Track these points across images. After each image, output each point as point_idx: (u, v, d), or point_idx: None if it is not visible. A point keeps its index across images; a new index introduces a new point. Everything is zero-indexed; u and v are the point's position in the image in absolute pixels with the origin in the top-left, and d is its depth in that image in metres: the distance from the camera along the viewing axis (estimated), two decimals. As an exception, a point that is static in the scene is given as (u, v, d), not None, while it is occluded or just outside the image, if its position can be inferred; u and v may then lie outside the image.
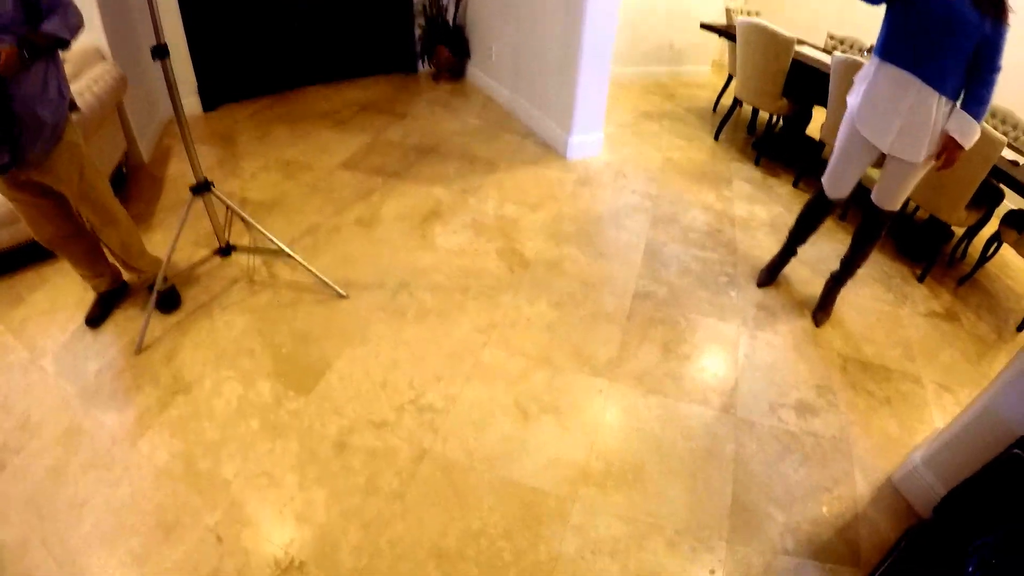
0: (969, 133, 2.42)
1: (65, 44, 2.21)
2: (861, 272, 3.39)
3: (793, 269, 3.37)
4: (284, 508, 2.06)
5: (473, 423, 2.36)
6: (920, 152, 2.53)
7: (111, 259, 2.91)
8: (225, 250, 2.95)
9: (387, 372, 2.59)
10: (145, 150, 4.25)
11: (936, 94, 2.42)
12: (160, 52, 2.32)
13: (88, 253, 2.79)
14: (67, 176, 2.41)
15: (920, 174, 2.66)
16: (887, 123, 2.57)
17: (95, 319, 2.87)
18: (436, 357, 2.67)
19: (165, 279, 2.76)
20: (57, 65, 2.28)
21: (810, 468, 2.28)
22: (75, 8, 2.21)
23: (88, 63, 3.48)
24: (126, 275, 3.00)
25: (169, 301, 2.95)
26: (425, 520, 2.02)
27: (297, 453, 2.25)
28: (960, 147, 2.46)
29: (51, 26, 2.12)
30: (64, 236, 2.66)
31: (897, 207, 2.83)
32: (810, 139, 4.94)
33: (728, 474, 2.22)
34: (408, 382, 2.54)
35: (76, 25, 2.22)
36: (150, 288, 2.85)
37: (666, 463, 2.24)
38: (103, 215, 2.65)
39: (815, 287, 3.27)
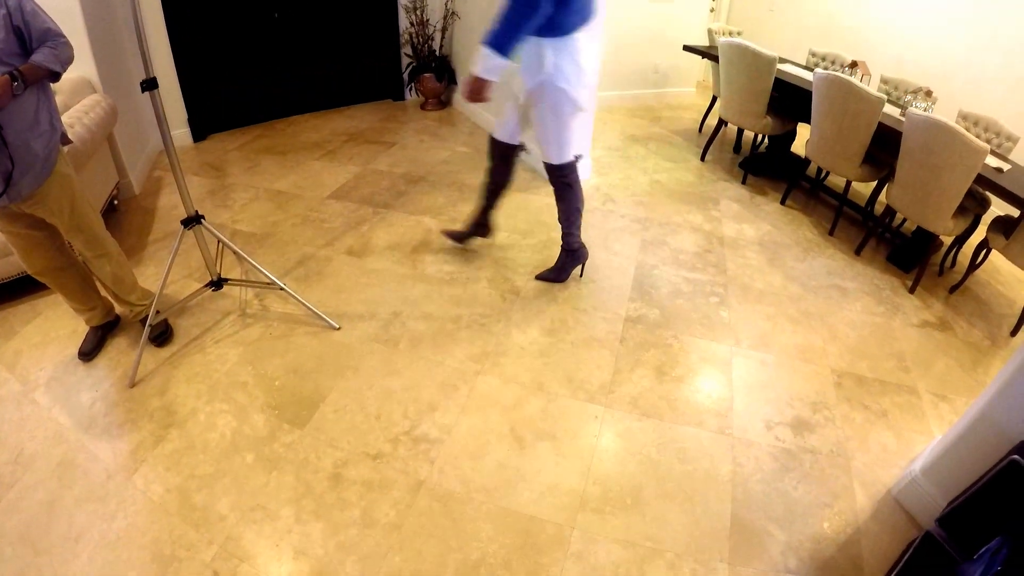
0: (481, 61, 2.49)
1: (56, 77, 2.24)
2: (852, 286, 3.45)
3: (784, 287, 3.39)
4: (281, 542, 2.05)
5: (469, 452, 2.35)
6: (522, 95, 2.74)
7: (103, 292, 2.90)
8: (217, 283, 2.95)
9: (381, 403, 2.58)
10: (136, 182, 4.26)
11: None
12: (149, 84, 2.34)
13: (80, 286, 2.79)
14: (58, 208, 2.43)
15: (539, 122, 2.80)
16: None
17: (88, 352, 2.86)
18: (430, 387, 2.66)
19: (157, 313, 2.76)
20: (48, 97, 2.31)
21: (809, 485, 2.27)
22: (66, 41, 2.24)
23: (79, 94, 3.50)
24: (118, 308, 3.01)
25: (162, 335, 2.94)
26: (423, 551, 2.00)
27: (293, 486, 2.23)
28: (475, 77, 2.54)
29: (42, 57, 2.15)
30: (56, 268, 2.67)
31: (546, 159, 2.94)
32: (795, 156, 4.99)
33: (726, 495, 2.21)
34: (402, 413, 2.53)
35: (67, 58, 2.25)
36: (143, 322, 2.84)
37: (663, 486, 2.23)
38: (94, 247, 2.66)
39: (807, 303, 3.29)
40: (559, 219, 3.18)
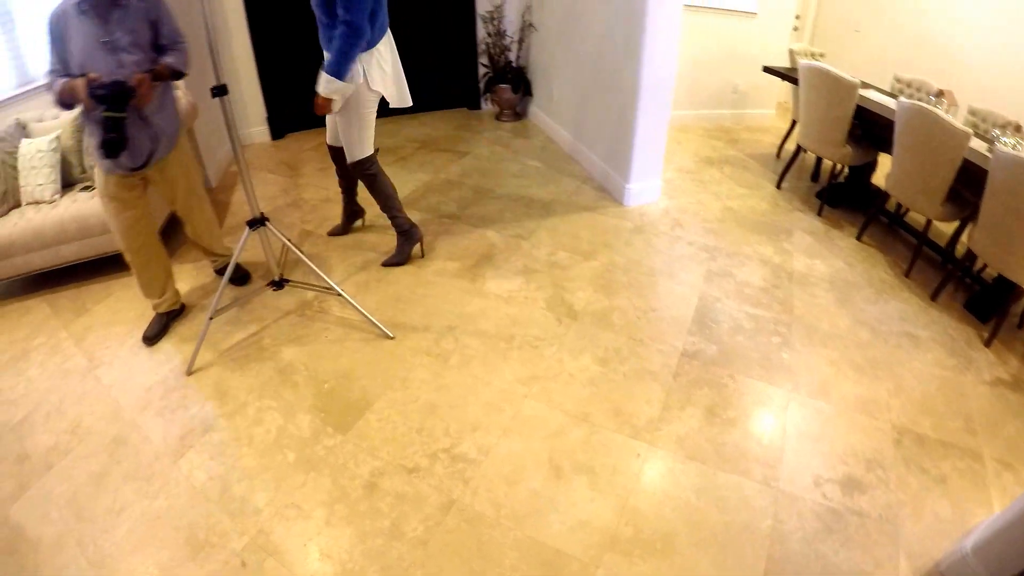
0: (323, 84, 2.97)
1: (180, 76, 2.66)
2: (925, 335, 3.26)
3: (852, 330, 3.24)
4: (309, 542, 2.10)
5: (504, 477, 2.33)
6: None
7: (197, 247, 3.35)
8: (278, 283, 3.03)
9: (425, 417, 2.59)
10: (213, 176, 4.42)
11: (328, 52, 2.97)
12: (219, 91, 2.47)
13: (160, 271, 3.04)
14: (177, 172, 2.91)
15: (344, 124, 3.19)
16: None
17: (152, 336, 3.03)
18: (475, 406, 2.66)
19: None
20: (170, 85, 2.78)
21: (851, 550, 2.14)
22: (186, 44, 2.66)
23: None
24: (208, 257, 3.44)
25: (243, 277, 3.46)
26: (445, 570, 2.00)
27: (328, 489, 2.28)
28: (321, 96, 3.02)
29: (173, 60, 2.61)
30: (146, 247, 2.96)
31: (351, 157, 3.30)
32: (875, 188, 4.77)
33: (762, 551, 2.10)
34: (444, 429, 2.54)
35: (189, 60, 2.65)
36: (220, 272, 3.29)
37: (698, 534, 2.15)
38: (198, 202, 3.13)
39: (875, 350, 3.12)
40: (380, 209, 3.54)
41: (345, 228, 3.98)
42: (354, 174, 3.43)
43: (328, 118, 3.37)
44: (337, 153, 3.50)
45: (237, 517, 2.18)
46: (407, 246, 3.65)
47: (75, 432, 2.56)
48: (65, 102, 2.45)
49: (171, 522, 2.18)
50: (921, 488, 2.40)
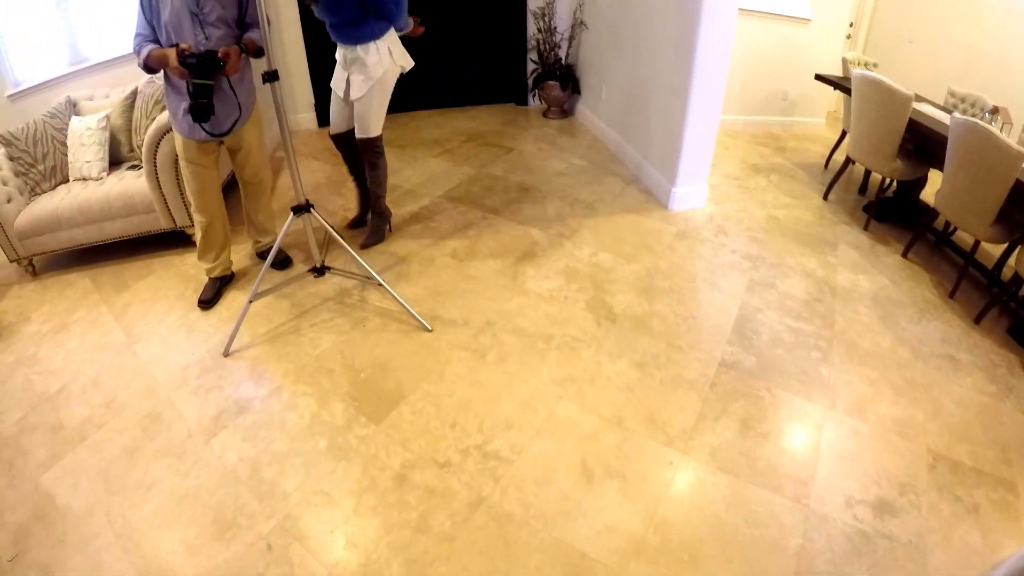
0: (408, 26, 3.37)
1: (262, 54, 2.73)
2: (966, 358, 3.17)
3: (893, 350, 3.17)
4: (336, 530, 2.12)
5: (535, 477, 2.33)
6: (361, 91, 3.29)
7: (251, 221, 3.47)
8: (319, 270, 3.07)
9: (458, 413, 2.60)
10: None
11: (355, 47, 3.19)
12: (271, 77, 2.52)
13: (221, 236, 3.20)
14: (251, 141, 3.11)
15: (366, 104, 3.35)
16: (342, 80, 3.37)
17: (208, 300, 3.17)
18: (509, 404, 2.66)
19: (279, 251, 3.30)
20: (249, 63, 2.98)
21: (878, 574, 2.09)
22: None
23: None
24: (253, 236, 3.55)
25: (283, 262, 3.52)
26: (470, 567, 2.01)
27: (358, 479, 2.30)
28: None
29: (257, 36, 2.82)
30: (216, 210, 3.13)
31: (370, 134, 3.46)
32: (924, 205, 4.66)
33: (789, 570, 2.07)
34: (478, 426, 2.54)
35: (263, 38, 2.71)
36: (262, 255, 3.48)
37: (725, 548, 2.12)
38: (263, 176, 3.31)
39: (915, 371, 3.05)
40: (370, 186, 3.68)
41: (363, 219, 3.96)
42: (363, 150, 3.52)
43: (334, 107, 3.52)
44: (346, 141, 3.60)
45: (265, 500, 2.22)
46: (383, 226, 3.83)
47: (110, 406, 2.64)
48: (151, 67, 2.67)
49: (200, 501, 2.22)
50: (953, 516, 2.34)
